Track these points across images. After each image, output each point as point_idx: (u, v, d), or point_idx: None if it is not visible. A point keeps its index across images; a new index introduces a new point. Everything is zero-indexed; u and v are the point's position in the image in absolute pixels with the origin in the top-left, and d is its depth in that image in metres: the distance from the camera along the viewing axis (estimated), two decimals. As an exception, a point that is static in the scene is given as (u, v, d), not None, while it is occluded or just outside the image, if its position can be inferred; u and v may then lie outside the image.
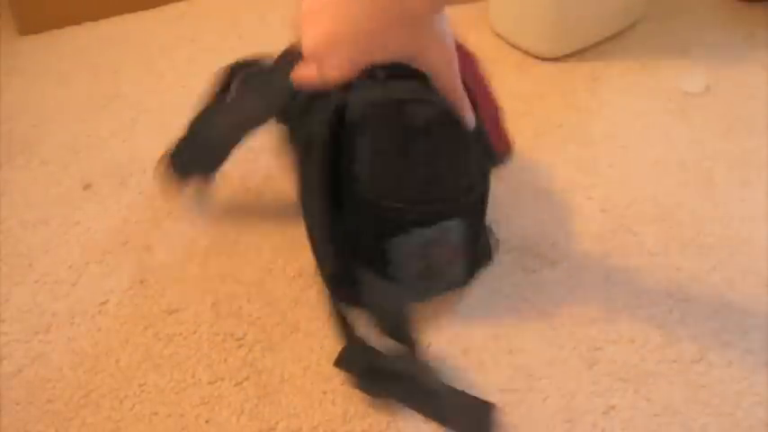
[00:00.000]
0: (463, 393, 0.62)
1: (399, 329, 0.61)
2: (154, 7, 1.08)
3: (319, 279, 0.66)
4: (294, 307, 0.70)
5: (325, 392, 0.63)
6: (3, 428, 0.61)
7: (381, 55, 0.55)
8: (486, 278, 0.72)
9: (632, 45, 1.00)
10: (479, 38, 1.02)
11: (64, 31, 1.04)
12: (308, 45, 0.55)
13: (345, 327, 0.64)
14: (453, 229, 0.64)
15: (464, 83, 0.60)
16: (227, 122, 0.69)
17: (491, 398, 0.63)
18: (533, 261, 0.73)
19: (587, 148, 0.85)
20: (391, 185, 0.61)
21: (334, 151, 0.60)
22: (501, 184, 0.78)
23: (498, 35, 1.02)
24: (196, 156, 0.72)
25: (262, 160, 0.83)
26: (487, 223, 0.70)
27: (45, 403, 0.63)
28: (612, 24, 1.01)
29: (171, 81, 0.95)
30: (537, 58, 0.98)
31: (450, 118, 0.60)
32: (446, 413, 0.60)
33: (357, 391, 0.63)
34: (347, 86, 0.57)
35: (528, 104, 0.92)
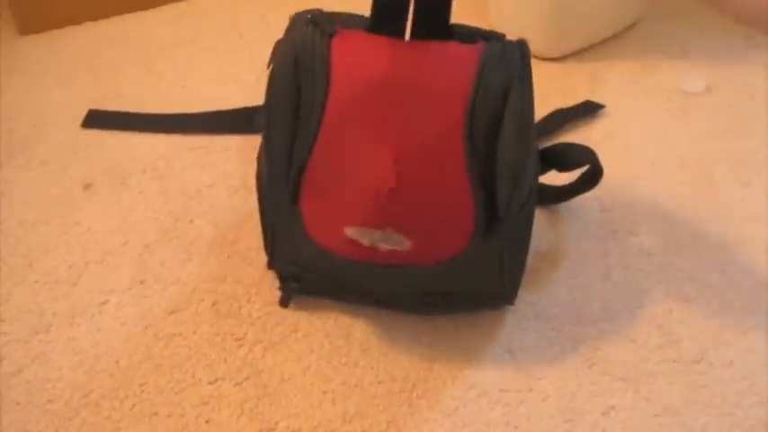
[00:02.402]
0: None
1: None
2: (154, 7, 1.08)
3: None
4: (294, 307, 0.70)
5: (325, 392, 0.63)
6: (3, 428, 0.61)
7: None
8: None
9: (632, 45, 1.00)
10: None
11: (64, 31, 1.04)
12: None
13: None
14: None
15: None
16: None
17: (491, 398, 0.63)
18: (534, 260, 0.73)
19: (587, 148, 0.85)
20: None
21: None
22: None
23: (498, 35, 1.02)
24: None
25: (262, 160, 0.83)
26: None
27: (45, 403, 0.63)
28: (612, 24, 1.01)
29: (171, 81, 0.96)
30: (537, 57, 0.98)
31: None
32: None
33: (357, 390, 0.63)
34: None
35: (528, 104, 0.92)
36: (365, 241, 0.59)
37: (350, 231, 0.59)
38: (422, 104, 0.57)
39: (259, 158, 0.65)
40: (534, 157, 0.63)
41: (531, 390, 0.64)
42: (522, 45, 0.59)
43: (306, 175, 0.60)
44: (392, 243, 0.59)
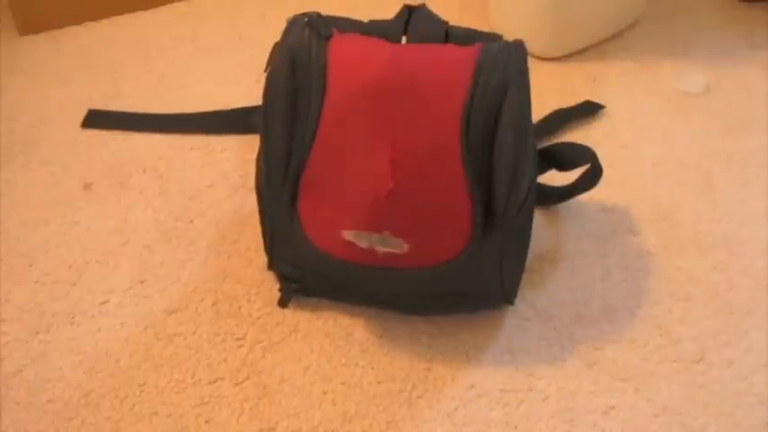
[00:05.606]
0: None
1: None
2: (154, 7, 1.08)
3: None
4: (294, 307, 0.70)
5: (325, 392, 0.63)
6: (3, 428, 0.61)
7: None
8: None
9: (632, 45, 1.00)
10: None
11: (64, 31, 1.04)
12: None
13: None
14: None
15: None
16: None
17: (491, 398, 0.63)
18: (533, 261, 0.73)
19: (587, 148, 0.85)
20: None
21: None
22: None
23: (498, 35, 1.02)
24: None
25: (262, 160, 0.83)
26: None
27: (45, 403, 0.63)
28: (612, 24, 1.01)
29: (171, 81, 0.96)
30: (537, 57, 0.98)
31: None
32: None
33: (357, 390, 0.63)
34: None
35: (528, 104, 0.92)
36: (363, 244, 0.59)
37: (347, 234, 0.59)
38: (419, 106, 0.57)
39: (258, 160, 0.65)
40: (533, 157, 0.63)
41: (531, 390, 0.64)
42: (518, 46, 0.59)
43: (303, 177, 0.60)
44: (389, 246, 0.59)
